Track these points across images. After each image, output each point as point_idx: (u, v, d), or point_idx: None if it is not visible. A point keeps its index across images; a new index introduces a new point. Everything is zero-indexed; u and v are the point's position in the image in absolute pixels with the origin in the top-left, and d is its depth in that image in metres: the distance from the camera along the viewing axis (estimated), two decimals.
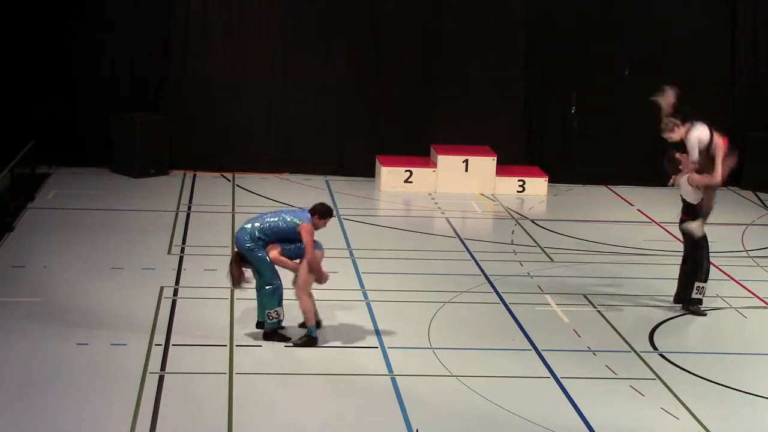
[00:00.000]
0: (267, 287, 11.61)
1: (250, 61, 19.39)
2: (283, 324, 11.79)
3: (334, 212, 11.57)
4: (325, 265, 11.84)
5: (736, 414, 10.59)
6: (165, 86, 19.38)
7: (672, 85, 13.29)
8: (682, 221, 13.21)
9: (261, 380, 10.75)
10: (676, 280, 13.45)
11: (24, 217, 16.05)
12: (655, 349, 12.04)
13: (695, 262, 13.14)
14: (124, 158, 18.90)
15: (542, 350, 11.77)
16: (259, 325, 11.88)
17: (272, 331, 11.64)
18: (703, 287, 13.12)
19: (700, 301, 13.18)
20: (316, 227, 11.62)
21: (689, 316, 13.09)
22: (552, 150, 20.14)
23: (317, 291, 13.04)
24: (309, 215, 11.61)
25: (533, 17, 19.85)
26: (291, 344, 11.58)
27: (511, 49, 19.92)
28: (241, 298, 12.75)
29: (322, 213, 11.69)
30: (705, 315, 13.14)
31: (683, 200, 13.16)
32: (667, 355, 11.83)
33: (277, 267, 11.62)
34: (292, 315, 11.86)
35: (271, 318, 11.62)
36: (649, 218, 17.68)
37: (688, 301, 13.19)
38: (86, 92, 19.07)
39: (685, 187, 13.03)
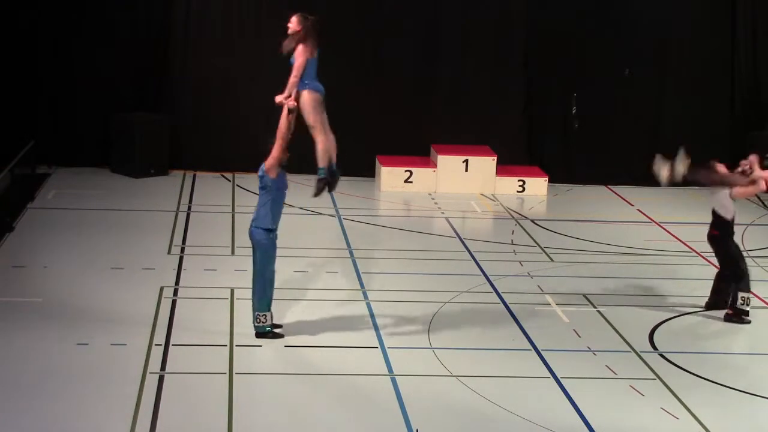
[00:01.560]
0: (258, 280, 11.47)
1: (250, 61, 19.38)
2: (276, 322, 11.75)
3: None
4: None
5: (736, 414, 10.58)
6: (165, 86, 19.38)
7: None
8: (711, 235, 12.96)
9: (261, 380, 10.74)
10: (710, 287, 13.28)
11: (24, 217, 16.06)
12: (655, 349, 12.04)
13: (735, 273, 12.83)
14: (124, 158, 18.90)
15: (542, 350, 11.77)
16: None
17: (264, 333, 11.64)
18: (748, 297, 12.83)
19: (746, 312, 12.86)
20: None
21: (689, 316, 13.07)
22: (552, 150, 20.13)
23: (317, 291, 13.05)
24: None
25: (533, 17, 19.86)
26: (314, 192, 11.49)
27: (511, 49, 19.92)
28: (241, 298, 12.75)
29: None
30: (749, 322, 12.88)
31: (714, 213, 12.87)
32: (667, 355, 11.83)
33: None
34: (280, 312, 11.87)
35: (259, 321, 11.59)
36: (649, 218, 17.67)
37: (734, 311, 12.84)
38: (86, 92, 19.07)
39: (724, 200, 12.75)
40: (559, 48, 19.85)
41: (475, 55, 19.81)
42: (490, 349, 11.82)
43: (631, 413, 10.44)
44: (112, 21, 19.05)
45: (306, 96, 11.53)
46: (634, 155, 20.01)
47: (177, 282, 13.48)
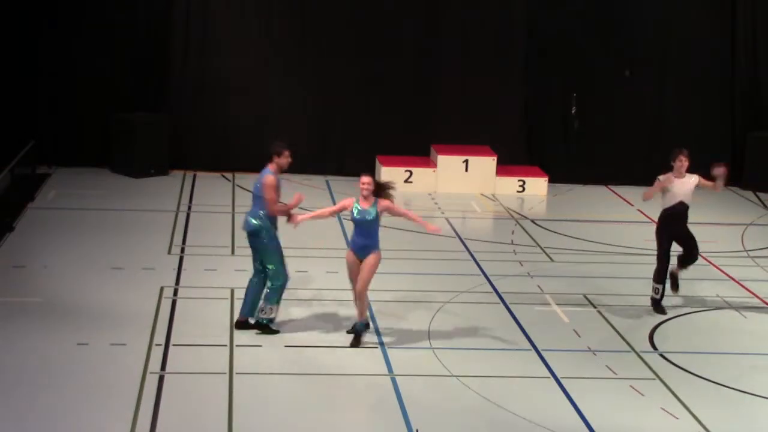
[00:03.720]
0: (275, 283, 11.62)
1: (250, 61, 19.39)
2: (278, 320, 11.78)
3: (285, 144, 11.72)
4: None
5: (736, 414, 10.59)
6: (165, 86, 19.39)
7: None
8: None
9: (261, 380, 10.75)
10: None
11: (24, 217, 16.05)
12: (655, 349, 12.04)
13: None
14: (124, 158, 18.91)
15: (542, 350, 11.77)
16: (239, 324, 11.85)
17: (255, 323, 11.74)
18: (656, 287, 13.09)
19: (655, 301, 13.13)
20: (280, 167, 11.55)
21: (689, 316, 13.08)
22: (552, 150, 20.14)
23: (317, 291, 13.05)
24: (269, 168, 11.55)
25: (533, 17, 19.86)
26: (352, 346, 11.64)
27: (510, 49, 19.93)
28: (241, 298, 12.73)
29: (275, 150, 11.58)
30: (664, 314, 13.08)
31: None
32: (667, 355, 11.83)
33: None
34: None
35: (264, 313, 11.63)
36: (649, 218, 17.66)
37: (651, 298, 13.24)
38: (86, 92, 19.07)
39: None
40: (559, 48, 19.85)
41: (475, 55, 19.81)
42: (490, 349, 11.82)
43: (631, 413, 10.44)
44: (112, 21, 19.06)
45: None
46: (634, 155, 20.04)
47: (177, 282, 13.48)
